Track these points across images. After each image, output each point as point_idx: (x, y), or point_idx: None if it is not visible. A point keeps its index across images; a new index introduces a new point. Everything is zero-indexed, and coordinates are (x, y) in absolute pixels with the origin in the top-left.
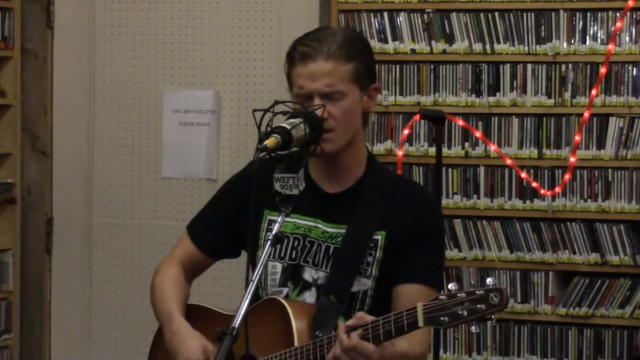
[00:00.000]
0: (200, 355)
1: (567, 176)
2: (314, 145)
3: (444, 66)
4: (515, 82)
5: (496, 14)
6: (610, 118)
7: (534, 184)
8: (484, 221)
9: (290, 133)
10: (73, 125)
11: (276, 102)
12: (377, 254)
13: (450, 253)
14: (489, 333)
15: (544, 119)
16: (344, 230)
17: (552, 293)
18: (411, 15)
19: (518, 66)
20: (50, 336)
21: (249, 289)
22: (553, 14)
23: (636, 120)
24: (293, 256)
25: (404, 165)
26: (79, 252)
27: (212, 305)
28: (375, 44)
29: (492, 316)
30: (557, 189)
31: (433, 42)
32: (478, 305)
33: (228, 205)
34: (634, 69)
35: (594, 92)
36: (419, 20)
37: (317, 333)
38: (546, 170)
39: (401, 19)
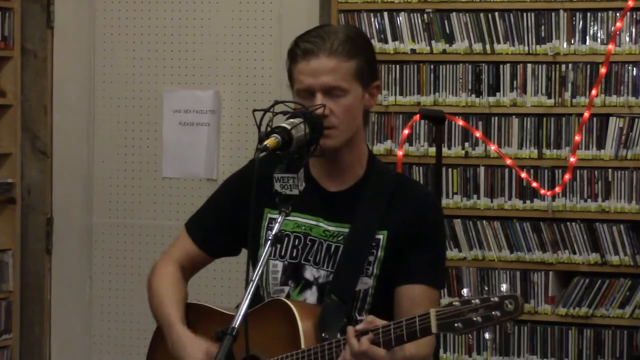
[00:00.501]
0: (203, 357)
1: (567, 176)
2: (314, 145)
3: (444, 66)
4: (515, 82)
5: (496, 14)
6: (610, 118)
7: (534, 184)
8: (484, 221)
9: (290, 133)
10: (73, 125)
11: (276, 102)
12: (379, 253)
13: (450, 253)
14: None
15: (544, 119)
16: (345, 229)
17: (552, 293)
18: (411, 15)
19: (518, 66)
20: (50, 336)
21: (249, 289)
22: (553, 14)
23: (636, 120)
24: (294, 255)
25: (404, 165)
26: (79, 252)
27: (212, 304)
28: (375, 44)
29: (509, 325)
30: (557, 189)
31: (433, 42)
32: (493, 312)
33: (227, 203)
34: (634, 69)
35: (594, 92)
36: (419, 20)
37: (323, 335)
38: (546, 170)
39: (401, 19)
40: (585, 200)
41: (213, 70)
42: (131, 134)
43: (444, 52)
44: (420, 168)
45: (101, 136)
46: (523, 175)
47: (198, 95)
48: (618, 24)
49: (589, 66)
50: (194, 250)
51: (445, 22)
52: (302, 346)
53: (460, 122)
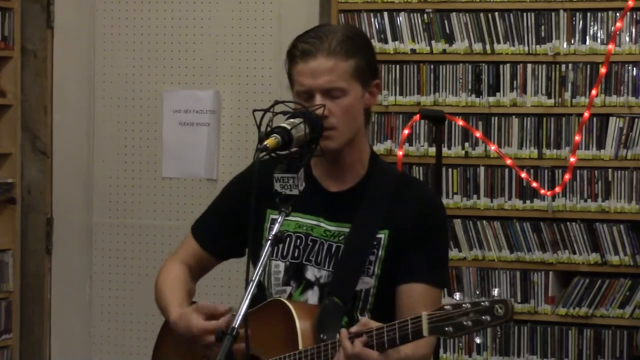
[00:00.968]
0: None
1: (567, 176)
2: (314, 145)
3: (444, 66)
4: (515, 82)
5: (496, 14)
6: (610, 118)
7: (534, 184)
8: (484, 221)
9: (290, 133)
10: (73, 125)
11: (276, 102)
12: (380, 253)
13: (450, 253)
14: (489, 333)
15: (544, 119)
16: (346, 229)
17: (552, 293)
18: (411, 15)
19: (518, 66)
20: (50, 336)
21: (249, 289)
22: (553, 14)
23: (636, 120)
24: (295, 255)
25: (404, 165)
26: (79, 252)
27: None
28: (375, 44)
29: (498, 329)
30: (557, 189)
31: (433, 42)
32: (483, 317)
33: (231, 205)
34: (634, 69)
35: (594, 92)
36: (419, 20)
37: (321, 336)
38: (546, 170)
39: (401, 19)
40: (585, 200)
41: (213, 70)
42: (131, 134)
43: (444, 52)
44: (420, 168)
45: (101, 136)
46: (523, 175)
47: (198, 95)
48: (618, 24)
49: (589, 66)
50: (200, 253)
51: (445, 22)
52: (300, 347)
53: (460, 122)
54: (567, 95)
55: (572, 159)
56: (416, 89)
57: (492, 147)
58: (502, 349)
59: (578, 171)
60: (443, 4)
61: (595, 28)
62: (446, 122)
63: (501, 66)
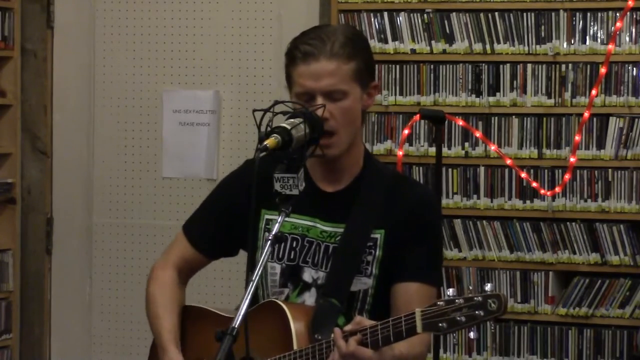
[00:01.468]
0: None
1: (567, 176)
2: (314, 146)
3: (444, 66)
4: (515, 82)
5: (496, 14)
6: (610, 118)
7: (534, 184)
8: (484, 221)
9: (290, 133)
10: (73, 125)
11: (276, 102)
12: (377, 253)
13: (450, 253)
14: (489, 333)
15: (544, 119)
16: (341, 229)
17: (552, 293)
18: (411, 15)
19: (518, 66)
20: (50, 336)
21: (249, 289)
22: (553, 14)
23: (636, 120)
24: (292, 257)
25: (404, 165)
26: (79, 252)
27: (211, 306)
28: (375, 44)
29: (491, 323)
30: (557, 189)
31: (433, 42)
32: (476, 312)
33: (223, 205)
34: (634, 69)
35: (594, 92)
36: (419, 20)
37: (316, 336)
38: (546, 170)
39: (401, 19)
40: (585, 200)
41: (213, 70)
42: (131, 134)
43: (444, 52)
44: (420, 168)
45: (101, 136)
46: (523, 175)
47: (198, 95)
48: (618, 24)
49: (589, 66)
50: (191, 253)
51: (445, 22)
52: (295, 347)
53: (460, 122)
54: (567, 95)
55: (572, 159)
56: (416, 89)
57: (492, 147)
58: (502, 349)
59: (578, 171)
60: (443, 4)
61: (595, 28)
62: (446, 122)
63: (501, 66)
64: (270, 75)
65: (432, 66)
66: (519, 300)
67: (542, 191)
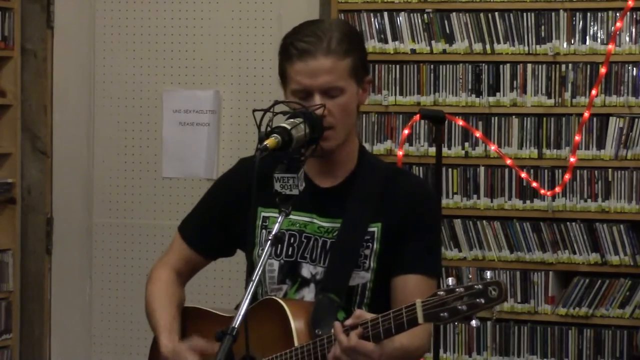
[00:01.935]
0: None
1: (567, 176)
2: (314, 145)
3: (444, 66)
4: (515, 82)
5: (496, 14)
6: (610, 118)
7: (534, 184)
8: (484, 221)
9: (291, 133)
10: (73, 125)
11: (276, 102)
12: (374, 246)
13: (450, 253)
14: (489, 333)
15: (544, 119)
16: (338, 224)
17: (552, 293)
18: (411, 15)
19: (518, 66)
20: (50, 336)
21: (249, 289)
22: (553, 14)
23: (636, 120)
24: (289, 253)
25: (404, 165)
26: (79, 252)
27: (210, 306)
28: (375, 44)
29: (493, 310)
30: (557, 189)
31: (433, 42)
32: (477, 300)
33: (219, 204)
34: (634, 69)
35: (594, 92)
36: (419, 20)
37: (317, 331)
38: (546, 170)
39: (401, 19)
40: (585, 200)
41: (213, 70)
42: (131, 134)
43: (444, 52)
44: (420, 168)
45: (101, 136)
46: (523, 175)
47: (198, 95)
48: (618, 24)
49: (589, 66)
50: (189, 254)
51: (445, 22)
52: (296, 344)
53: (460, 122)
54: (567, 95)
55: (572, 159)
56: (416, 89)
57: (492, 147)
58: (502, 349)
59: (578, 171)
60: (443, 4)
61: (595, 28)
62: (446, 122)
63: (501, 66)
64: (270, 75)
65: (432, 66)
66: (519, 300)
67: (542, 191)
